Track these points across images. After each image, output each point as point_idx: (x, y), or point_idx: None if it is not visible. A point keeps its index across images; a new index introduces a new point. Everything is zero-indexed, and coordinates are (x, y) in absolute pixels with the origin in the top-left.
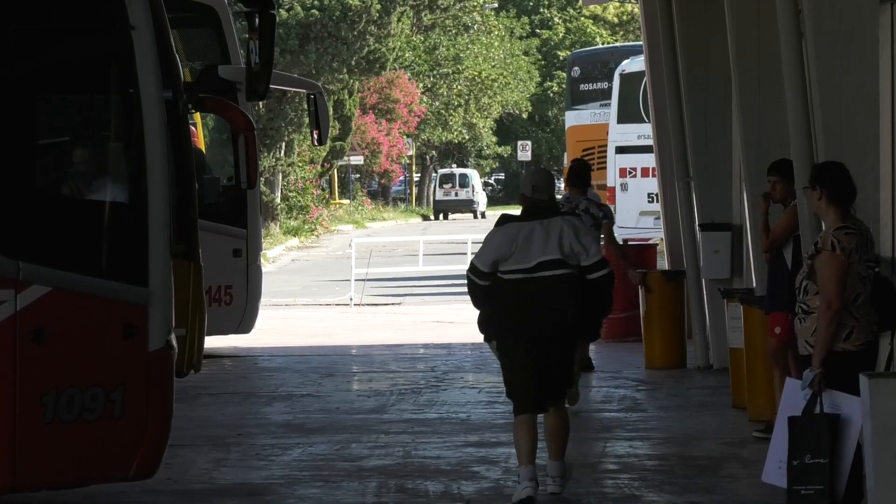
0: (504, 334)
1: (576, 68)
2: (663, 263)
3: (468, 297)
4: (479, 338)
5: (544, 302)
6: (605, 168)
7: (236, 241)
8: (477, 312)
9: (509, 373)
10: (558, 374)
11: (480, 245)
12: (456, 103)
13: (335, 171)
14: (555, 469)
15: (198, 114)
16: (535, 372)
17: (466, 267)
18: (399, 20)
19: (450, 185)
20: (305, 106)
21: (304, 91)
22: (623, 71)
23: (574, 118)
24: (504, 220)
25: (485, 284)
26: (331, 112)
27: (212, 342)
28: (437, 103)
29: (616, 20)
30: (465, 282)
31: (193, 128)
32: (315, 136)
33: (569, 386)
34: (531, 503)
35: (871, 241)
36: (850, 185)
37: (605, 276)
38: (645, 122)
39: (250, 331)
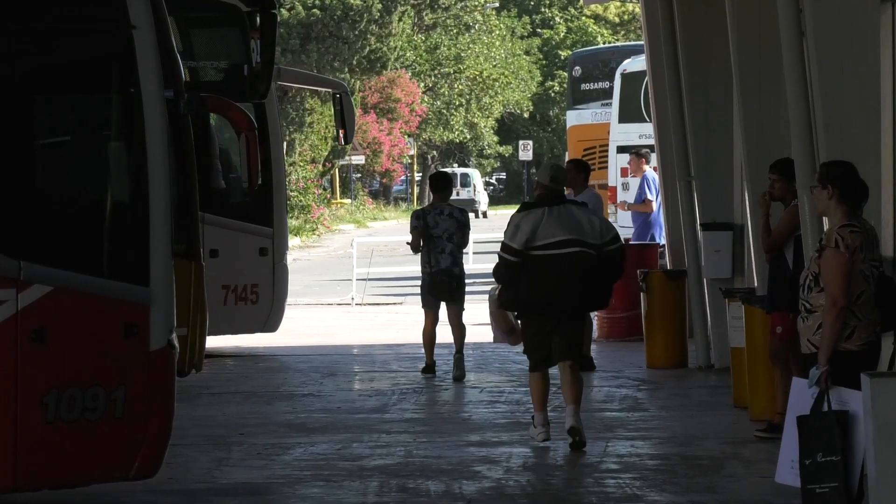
0: (530, 305)
1: (577, 68)
2: (665, 263)
3: (470, 296)
4: (481, 338)
5: (566, 276)
6: (606, 168)
7: (262, 240)
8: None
9: (533, 336)
10: (573, 338)
11: (509, 228)
12: (457, 103)
13: (336, 170)
14: (573, 410)
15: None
16: (554, 337)
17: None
18: (400, 20)
19: None
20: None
21: (330, 90)
22: (624, 70)
23: (575, 118)
24: (526, 206)
25: (517, 261)
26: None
27: (215, 341)
28: (438, 103)
29: (617, 20)
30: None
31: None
32: (341, 134)
33: (580, 345)
34: (548, 441)
35: (876, 240)
36: (861, 184)
37: (619, 248)
38: (646, 121)
39: (276, 329)
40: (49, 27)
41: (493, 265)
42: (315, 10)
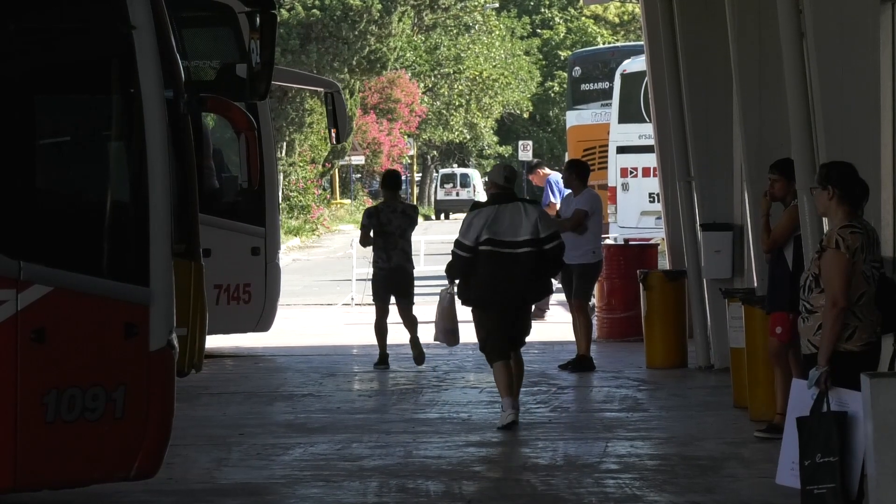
0: (483, 300)
1: (577, 68)
2: (664, 263)
3: None
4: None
5: (519, 272)
6: (606, 168)
7: (255, 240)
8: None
9: (487, 331)
10: (522, 330)
11: (463, 225)
12: (457, 103)
13: (336, 170)
14: (508, 403)
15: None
16: (508, 329)
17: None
18: (400, 20)
19: (451, 184)
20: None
21: (322, 90)
22: (624, 71)
23: (575, 118)
24: (477, 205)
25: (469, 257)
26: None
27: (215, 341)
28: (438, 103)
29: (617, 20)
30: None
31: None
32: (333, 134)
33: (526, 334)
34: (515, 426)
35: (877, 241)
36: (860, 184)
37: (559, 244)
38: (646, 121)
39: (269, 329)
40: (49, 27)
41: None
42: (315, 11)
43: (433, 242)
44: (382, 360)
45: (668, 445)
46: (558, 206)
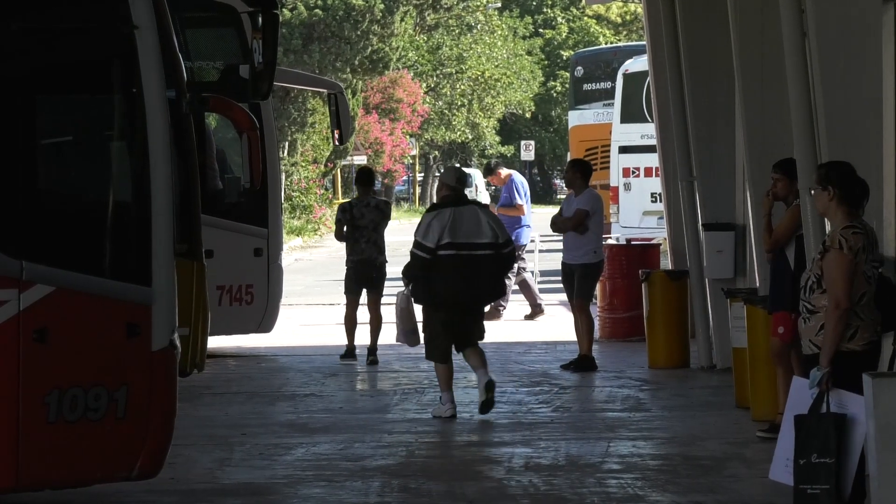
0: (442, 300)
1: (579, 68)
2: (667, 263)
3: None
4: (483, 338)
5: (475, 275)
6: (608, 168)
7: (257, 241)
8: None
9: (435, 332)
10: (477, 329)
11: (421, 227)
12: (459, 103)
13: (338, 170)
14: (483, 372)
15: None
16: (456, 331)
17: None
18: (402, 20)
19: None
20: (309, 106)
21: (325, 91)
22: (626, 71)
23: (577, 118)
24: (435, 207)
25: (430, 259)
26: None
27: (217, 341)
28: (440, 103)
29: (619, 20)
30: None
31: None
32: (336, 135)
33: (483, 336)
34: (454, 419)
35: (876, 241)
36: (860, 184)
37: (512, 250)
38: (648, 121)
39: (271, 330)
40: (51, 27)
41: None
42: (317, 11)
43: None
44: (350, 354)
45: (670, 445)
46: (525, 206)
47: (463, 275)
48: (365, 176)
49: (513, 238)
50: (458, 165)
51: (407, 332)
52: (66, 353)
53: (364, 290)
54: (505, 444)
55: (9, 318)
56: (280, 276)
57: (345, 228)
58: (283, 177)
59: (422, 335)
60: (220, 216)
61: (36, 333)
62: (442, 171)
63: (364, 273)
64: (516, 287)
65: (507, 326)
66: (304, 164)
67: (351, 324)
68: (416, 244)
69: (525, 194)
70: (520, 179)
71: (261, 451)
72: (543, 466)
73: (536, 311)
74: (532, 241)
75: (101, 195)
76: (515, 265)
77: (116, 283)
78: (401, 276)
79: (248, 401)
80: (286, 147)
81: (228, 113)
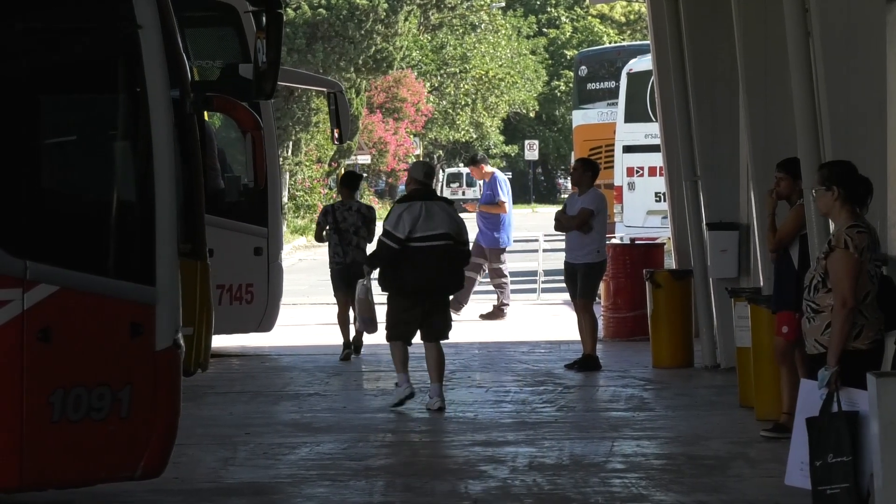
0: (408, 288)
1: (583, 67)
2: (671, 263)
3: (476, 296)
4: (487, 337)
5: (439, 266)
6: (612, 167)
7: (257, 240)
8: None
9: (398, 318)
10: (441, 319)
11: (391, 217)
12: (463, 102)
13: (342, 170)
14: (436, 390)
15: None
16: (420, 316)
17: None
18: (406, 19)
19: (457, 184)
20: (313, 105)
21: (325, 90)
22: (630, 70)
23: (581, 117)
24: (405, 199)
25: (398, 249)
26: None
27: (220, 341)
28: (444, 102)
29: (623, 19)
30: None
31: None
32: (336, 134)
33: (448, 328)
34: (412, 397)
35: (878, 240)
36: (863, 183)
37: (468, 249)
38: (652, 121)
39: (271, 329)
40: (54, 26)
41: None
42: (321, 10)
43: None
44: (348, 346)
45: (674, 445)
46: (508, 205)
47: (430, 264)
48: (350, 179)
49: (496, 240)
50: (426, 160)
51: (364, 320)
52: (69, 352)
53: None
54: (509, 443)
55: (13, 318)
56: (280, 276)
57: (325, 231)
58: (288, 176)
59: (381, 323)
60: (220, 215)
61: (40, 333)
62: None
63: (350, 275)
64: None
65: (510, 326)
66: (307, 164)
67: (344, 322)
68: (387, 234)
69: (507, 193)
70: (503, 178)
71: (265, 450)
72: (547, 466)
73: (497, 313)
74: (536, 239)
75: (105, 195)
76: (499, 266)
77: (120, 283)
78: (364, 263)
79: (251, 400)
80: (290, 146)
81: (233, 112)
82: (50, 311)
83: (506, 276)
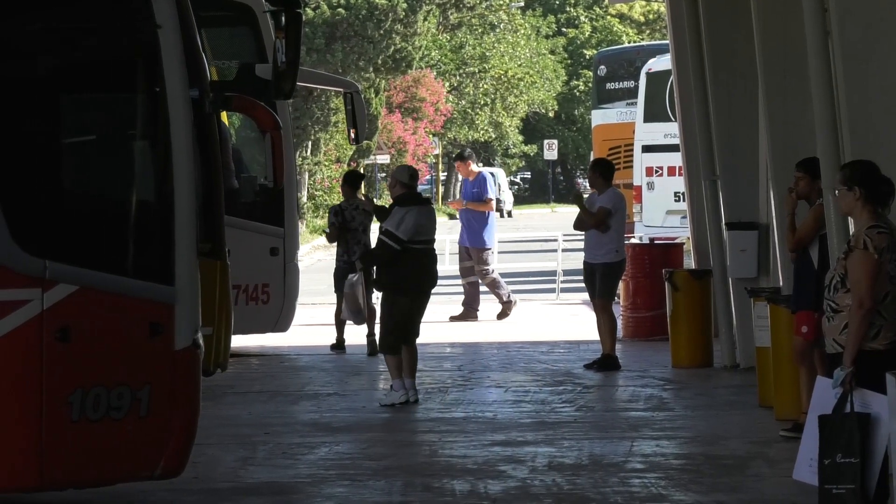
0: (404, 289)
1: (602, 67)
2: (690, 262)
3: (493, 296)
4: (506, 337)
5: (432, 266)
6: (631, 167)
7: (273, 240)
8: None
9: (396, 321)
10: (421, 320)
11: (394, 218)
12: (482, 102)
13: (361, 170)
14: (411, 384)
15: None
16: (414, 318)
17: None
18: (425, 19)
19: None
20: (332, 105)
21: (342, 90)
22: (649, 70)
23: (600, 117)
24: (405, 202)
25: (399, 250)
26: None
27: (240, 340)
28: (463, 102)
29: (642, 19)
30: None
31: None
32: (352, 134)
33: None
34: (408, 402)
35: None
36: (885, 182)
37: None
38: (671, 120)
39: (287, 330)
40: (74, 27)
41: (518, 264)
42: (340, 10)
43: (457, 242)
44: (339, 346)
45: (693, 445)
46: (494, 202)
47: (427, 266)
48: (354, 178)
49: (483, 240)
50: (409, 165)
51: (353, 311)
52: (89, 352)
53: None
54: (528, 443)
55: (32, 318)
56: (296, 276)
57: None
58: (307, 176)
59: (377, 326)
60: (236, 215)
61: (59, 333)
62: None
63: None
64: (485, 287)
65: (529, 326)
66: (327, 164)
67: (342, 320)
68: (388, 234)
69: (494, 191)
70: (490, 176)
71: (284, 450)
72: (567, 466)
73: (506, 307)
74: (555, 239)
75: (124, 194)
76: (485, 267)
77: (139, 283)
78: (358, 260)
79: (270, 400)
80: (309, 146)
81: (252, 112)
82: (69, 310)
83: (493, 271)
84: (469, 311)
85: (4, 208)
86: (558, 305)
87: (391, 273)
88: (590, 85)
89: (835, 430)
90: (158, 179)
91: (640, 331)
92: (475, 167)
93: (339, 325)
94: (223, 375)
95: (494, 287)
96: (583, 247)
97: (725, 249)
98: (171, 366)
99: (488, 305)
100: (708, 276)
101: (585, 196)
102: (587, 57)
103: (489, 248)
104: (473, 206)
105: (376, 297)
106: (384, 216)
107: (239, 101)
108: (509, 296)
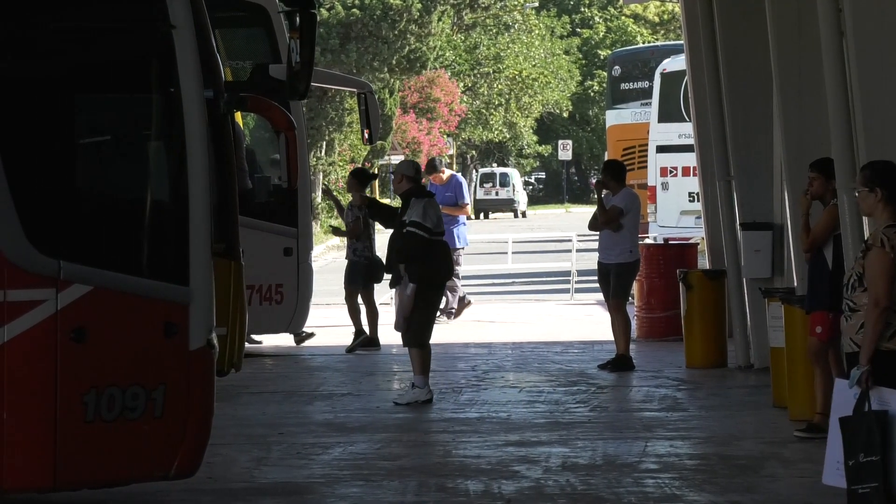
0: (437, 283)
1: (616, 67)
2: (704, 263)
3: (510, 296)
4: (520, 337)
5: (450, 259)
6: (645, 167)
7: (287, 240)
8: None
9: (432, 312)
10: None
11: (417, 209)
12: (496, 102)
13: (376, 170)
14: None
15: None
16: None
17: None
18: (440, 19)
19: (490, 184)
20: (346, 105)
21: (355, 90)
22: (664, 70)
23: (615, 117)
24: (421, 195)
25: (429, 238)
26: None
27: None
28: (477, 102)
29: (657, 19)
30: (411, 248)
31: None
32: (366, 135)
33: None
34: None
35: None
36: None
37: None
38: (686, 121)
39: (300, 330)
40: (89, 26)
41: (532, 265)
42: (355, 10)
43: (471, 242)
44: (360, 335)
45: (707, 445)
46: (469, 207)
47: (446, 256)
48: (364, 176)
49: (452, 240)
50: (411, 159)
51: (406, 318)
52: (103, 352)
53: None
54: (542, 443)
55: (46, 318)
56: (310, 276)
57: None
58: (321, 176)
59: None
60: (250, 216)
61: (73, 333)
62: (478, 170)
63: (376, 269)
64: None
65: (544, 326)
66: (341, 164)
67: (355, 311)
68: (417, 225)
69: (468, 195)
70: (463, 179)
71: (298, 450)
72: (581, 466)
73: (461, 306)
74: (569, 239)
75: (139, 194)
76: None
77: (154, 283)
78: (399, 262)
79: (285, 400)
80: (323, 147)
81: (267, 113)
82: (84, 310)
83: (458, 277)
84: (461, 303)
85: (19, 208)
86: (573, 306)
87: (424, 266)
88: (604, 85)
89: (855, 430)
90: (173, 180)
91: (654, 331)
92: (447, 171)
93: (355, 318)
94: (237, 376)
95: (450, 290)
96: (597, 247)
97: (740, 250)
98: (185, 366)
99: (491, 307)
100: (722, 277)
101: (604, 193)
102: (601, 57)
103: (459, 248)
104: (449, 211)
105: (376, 296)
106: (377, 210)
107: (253, 101)
108: (452, 310)
